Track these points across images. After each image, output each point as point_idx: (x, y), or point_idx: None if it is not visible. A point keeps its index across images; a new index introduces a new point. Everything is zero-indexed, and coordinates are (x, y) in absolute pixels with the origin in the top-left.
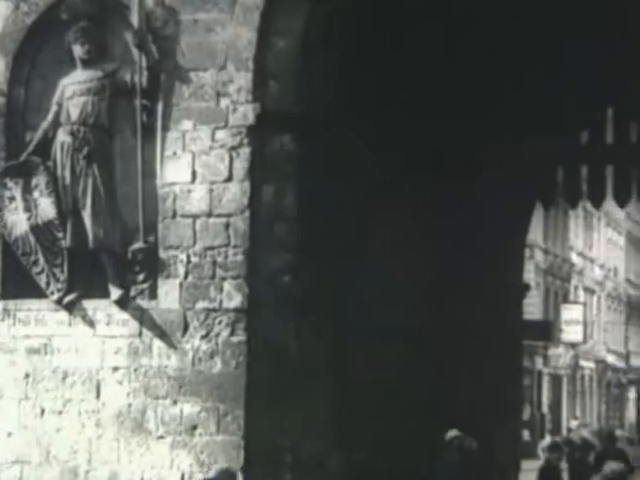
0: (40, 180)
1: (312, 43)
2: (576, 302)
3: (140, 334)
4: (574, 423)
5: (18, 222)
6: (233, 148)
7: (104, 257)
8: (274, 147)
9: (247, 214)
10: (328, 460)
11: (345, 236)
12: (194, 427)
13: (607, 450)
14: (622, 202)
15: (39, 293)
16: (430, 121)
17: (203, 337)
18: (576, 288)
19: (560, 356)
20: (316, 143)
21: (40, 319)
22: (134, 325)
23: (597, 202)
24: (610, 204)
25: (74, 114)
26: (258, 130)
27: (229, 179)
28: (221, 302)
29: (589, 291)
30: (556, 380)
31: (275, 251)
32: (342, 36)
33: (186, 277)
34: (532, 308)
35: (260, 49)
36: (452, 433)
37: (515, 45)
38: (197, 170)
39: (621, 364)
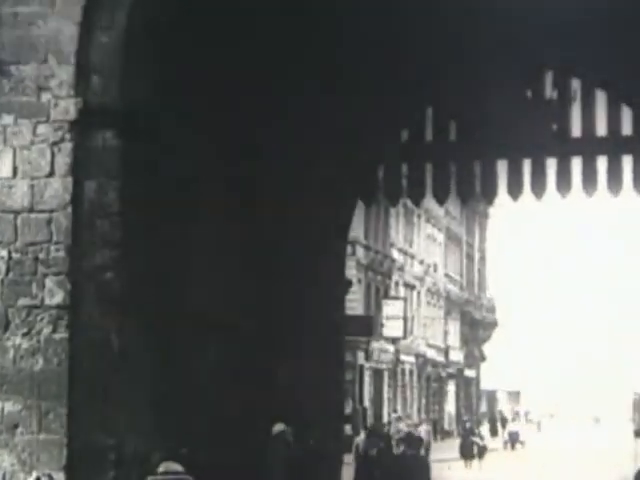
0: None
1: (135, 38)
2: (397, 298)
3: None
4: (395, 416)
5: None
6: (55, 143)
7: None
8: (96, 142)
9: (69, 210)
10: (151, 456)
11: (168, 232)
12: (15, 426)
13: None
14: (441, 199)
15: None
16: (249, 116)
17: (25, 334)
18: (397, 284)
19: (381, 351)
20: (140, 139)
21: None
22: None
23: (417, 199)
24: (430, 201)
25: None
26: (80, 125)
27: (51, 174)
28: (43, 299)
29: (409, 287)
30: (377, 374)
31: (97, 247)
32: (165, 32)
33: (7, 274)
34: (354, 304)
35: (82, 43)
36: (277, 427)
37: (334, 44)
38: (18, 165)
39: (440, 358)
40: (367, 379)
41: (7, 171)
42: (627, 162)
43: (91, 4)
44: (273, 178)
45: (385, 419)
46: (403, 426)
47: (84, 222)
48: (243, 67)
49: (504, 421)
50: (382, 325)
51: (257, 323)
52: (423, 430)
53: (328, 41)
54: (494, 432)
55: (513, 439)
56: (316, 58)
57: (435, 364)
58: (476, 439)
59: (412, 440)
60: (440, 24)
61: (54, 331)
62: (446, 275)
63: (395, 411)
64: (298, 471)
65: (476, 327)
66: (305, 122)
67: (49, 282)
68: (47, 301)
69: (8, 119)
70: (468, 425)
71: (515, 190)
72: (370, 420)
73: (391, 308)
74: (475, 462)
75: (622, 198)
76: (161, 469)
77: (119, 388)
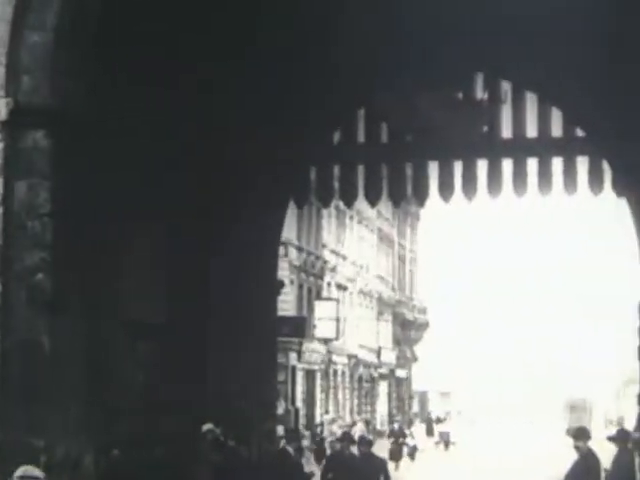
0: None
1: (66, 38)
2: (329, 299)
3: None
4: (327, 417)
5: None
6: None
7: None
8: (27, 142)
9: (0, 211)
10: (83, 459)
11: (100, 233)
12: None
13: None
14: (373, 201)
15: None
16: (181, 118)
17: None
18: (329, 285)
19: (314, 352)
20: (72, 139)
21: None
22: None
23: (349, 201)
24: (361, 202)
25: None
26: (11, 125)
27: None
28: None
29: (341, 288)
30: (310, 375)
31: (29, 248)
32: (96, 30)
33: None
34: (286, 305)
35: (13, 43)
36: (206, 427)
37: (266, 44)
38: None
39: (372, 359)
40: (299, 380)
41: None
42: (557, 163)
43: (21, 4)
44: (206, 180)
45: (317, 419)
46: (337, 427)
47: (15, 223)
48: (176, 64)
49: (437, 421)
50: (314, 326)
51: (189, 324)
52: (358, 430)
53: (261, 39)
54: (430, 432)
55: (444, 439)
56: (249, 55)
57: (367, 365)
58: (406, 440)
59: (363, 440)
60: (373, 26)
61: None
62: (378, 276)
63: (327, 412)
64: (226, 472)
65: (408, 328)
66: (236, 123)
67: None
68: None
69: None
70: (397, 426)
71: (446, 192)
72: (302, 420)
73: (323, 309)
74: (406, 463)
75: (552, 199)
76: (19, 473)
77: (50, 390)
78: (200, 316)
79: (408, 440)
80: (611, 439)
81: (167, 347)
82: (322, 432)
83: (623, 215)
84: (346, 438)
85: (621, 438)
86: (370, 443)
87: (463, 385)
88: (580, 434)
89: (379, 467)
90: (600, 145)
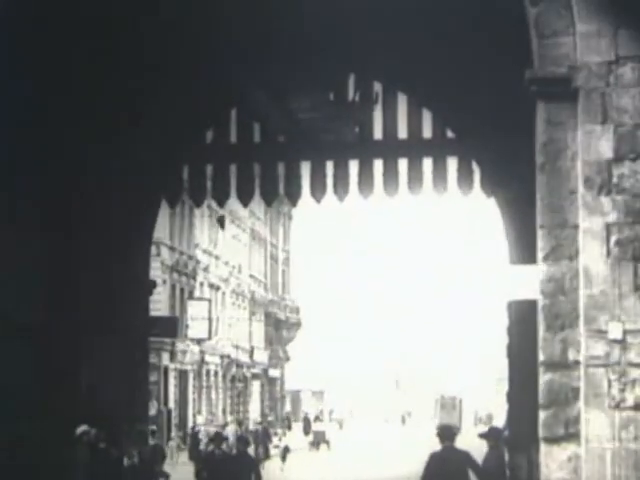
0: None
1: None
2: (202, 299)
3: None
4: (200, 419)
5: None
6: None
7: None
8: None
9: None
10: None
11: None
12: None
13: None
14: (245, 201)
15: None
16: (56, 112)
17: None
18: (202, 285)
19: (186, 352)
20: None
21: None
22: None
23: (221, 200)
24: (234, 202)
25: None
26: None
27: None
28: None
29: (214, 288)
30: (183, 376)
31: None
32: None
33: None
34: (159, 305)
35: None
36: (81, 428)
37: (136, 48)
38: None
39: (245, 359)
40: (172, 380)
41: None
42: (427, 164)
43: None
44: (76, 182)
45: (190, 420)
46: (212, 428)
47: None
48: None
49: (316, 419)
50: (187, 326)
51: (62, 324)
52: (230, 430)
53: (127, 46)
54: (307, 431)
55: (319, 439)
56: (115, 59)
57: (240, 364)
58: (273, 441)
59: (242, 439)
60: (247, 25)
61: None
62: (251, 276)
63: (200, 412)
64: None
65: (280, 328)
66: (104, 124)
67: None
68: None
69: None
70: (261, 428)
71: (318, 192)
72: (175, 421)
73: (196, 309)
74: (277, 464)
75: (423, 199)
76: None
77: None
78: (72, 317)
79: (276, 441)
80: (483, 436)
81: (41, 348)
82: (197, 433)
83: (494, 215)
84: (217, 438)
85: (492, 436)
86: (247, 442)
87: (335, 384)
88: (444, 433)
89: (251, 466)
90: (469, 146)
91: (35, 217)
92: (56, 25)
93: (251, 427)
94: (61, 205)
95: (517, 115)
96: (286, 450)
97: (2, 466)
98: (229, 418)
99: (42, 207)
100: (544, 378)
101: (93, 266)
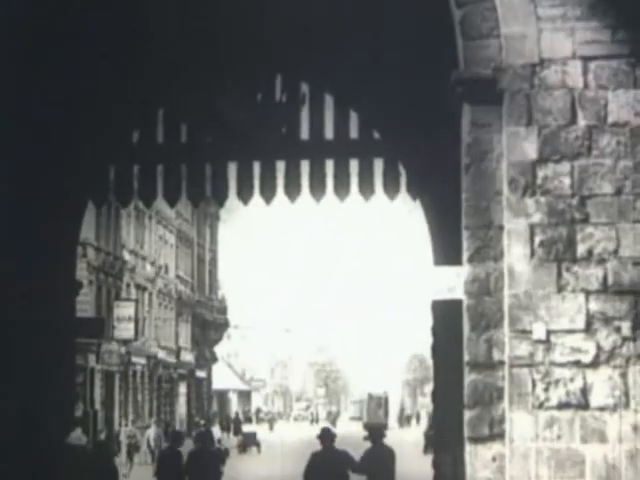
0: None
1: None
2: (128, 299)
3: None
4: (125, 424)
5: None
6: None
7: None
8: None
9: None
10: None
11: None
12: None
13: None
14: (172, 201)
15: None
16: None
17: None
18: (128, 285)
19: (112, 353)
20: None
21: None
22: None
23: (148, 201)
24: (161, 203)
25: None
26: None
27: None
28: None
29: (141, 288)
30: (109, 377)
31: None
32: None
33: None
34: (85, 306)
35: None
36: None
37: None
38: None
39: (172, 359)
40: (98, 382)
41: None
42: (354, 166)
43: None
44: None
45: (117, 422)
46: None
47: None
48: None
49: (240, 421)
50: (113, 327)
51: None
52: (152, 433)
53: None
54: (236, 432)
55: (250, 440)
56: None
57: (166, 365)
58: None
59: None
60: (172, 26)
61: None
62: (177, 276)
63: (126, 413)
64: None
65: (207, 328)
66: (31, 122)
67: None
68: None
69: None
70: (199, 431)
71: (245, 193)
72: (101, 423)
73: (122, 310)
74: None
75: (350, 200)
76: None
77: None
78: None
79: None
80: (318, 437)
81: None
82: (118, 435)
83: (421, 217)
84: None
85: (325, 437)
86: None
87: (263, 385)
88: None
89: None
90: (395, 148)
91: None
92: None
93: (177, 427)
94: None
95: (443, 117)
96: (225, 453)
97: None
98: (153, 419)
99: None
100: (469, 378)
101: (20, 267)
